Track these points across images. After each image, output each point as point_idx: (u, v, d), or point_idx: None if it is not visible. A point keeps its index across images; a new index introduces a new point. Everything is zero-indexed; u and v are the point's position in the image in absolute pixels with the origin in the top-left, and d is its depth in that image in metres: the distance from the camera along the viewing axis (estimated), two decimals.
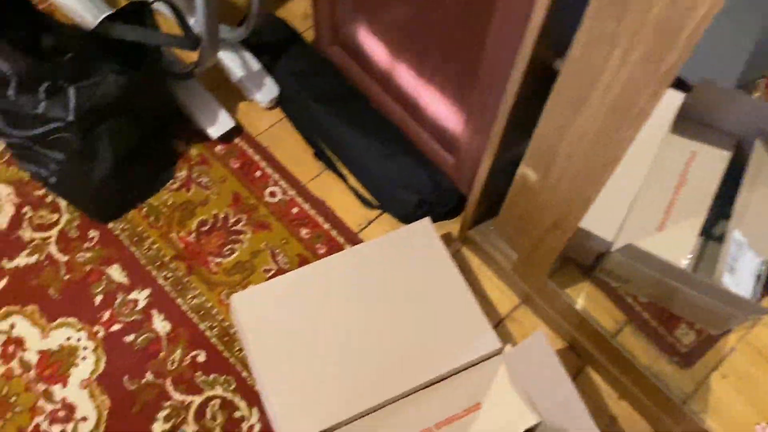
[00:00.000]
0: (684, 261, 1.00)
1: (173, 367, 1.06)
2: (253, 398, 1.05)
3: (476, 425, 0.94)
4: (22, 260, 1.13)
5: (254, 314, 0.99)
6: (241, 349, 1.08)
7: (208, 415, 1.03)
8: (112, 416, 1.02)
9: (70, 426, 1.01)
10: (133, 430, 1.01)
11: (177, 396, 1.04)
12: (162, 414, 1.03)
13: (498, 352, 0.99)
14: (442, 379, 0.97)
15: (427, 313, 1.00)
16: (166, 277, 1.13)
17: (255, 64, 1.27)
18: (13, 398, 1.03)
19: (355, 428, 0.94)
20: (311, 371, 0.95)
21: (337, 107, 1.21)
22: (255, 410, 1.04)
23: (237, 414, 1.04)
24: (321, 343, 0.97)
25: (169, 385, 1.05)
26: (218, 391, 1.05)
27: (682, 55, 0.59)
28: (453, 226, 1.19)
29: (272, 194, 1.21)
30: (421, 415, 0.95)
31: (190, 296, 1.12)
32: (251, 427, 1.03)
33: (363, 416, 0.94)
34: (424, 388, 0.97)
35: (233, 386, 1.06)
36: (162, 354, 1.07)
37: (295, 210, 1.20)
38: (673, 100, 1.09)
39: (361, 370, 0.95)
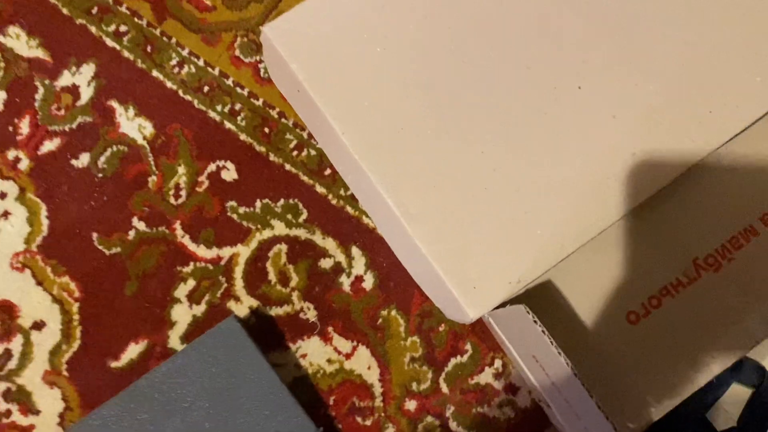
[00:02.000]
0: None
1: (181, 200, 0.54)
2: (345, 229, 0.54)
3: None
4: None
5: (312, 57, 0.44)
6: (300, 144, 0.55)
7: (273, 275, 0.53)
8: (88, 310, 0.53)
9: (16, 342, 0.53)
10: (137, 327, 0.53)
11: (202, 251, 0.54)
12: (182, 289, 0.53)
13: None
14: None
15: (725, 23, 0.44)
16: (120, 34, 0.56)
17: None
18: None
19: (573, 261, 0.44)
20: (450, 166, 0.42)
21: None
22: (356, 250, 0.54)
23: (325, 263, 0.54)
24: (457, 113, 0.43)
25: (181, 234, 0.54)
26: (278, 228, 0.54)
27: None
28: None
29: None
30: (720, 207, 0.44)
31: (174, 61, 0.56)
32: (358, 281, 0.53)
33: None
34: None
35: (303, 215, 0.54)
36: (153, 179, 0.55)
37: None
38: None
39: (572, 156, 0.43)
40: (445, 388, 0.52)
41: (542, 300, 0.42)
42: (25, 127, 0.55)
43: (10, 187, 0.54)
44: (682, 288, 0.42)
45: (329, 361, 0.52)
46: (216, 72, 0.56)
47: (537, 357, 0.39)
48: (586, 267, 0.43)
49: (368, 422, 0.51)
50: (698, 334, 0.41)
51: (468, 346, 0.52)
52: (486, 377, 0.52)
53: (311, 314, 0.53)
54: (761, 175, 0.43)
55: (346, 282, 0.53)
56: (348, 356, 0.52)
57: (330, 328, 0.53)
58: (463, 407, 0.51)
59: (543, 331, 0.32)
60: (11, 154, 0.55)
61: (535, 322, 0.33)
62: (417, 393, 0.52)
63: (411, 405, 0.52)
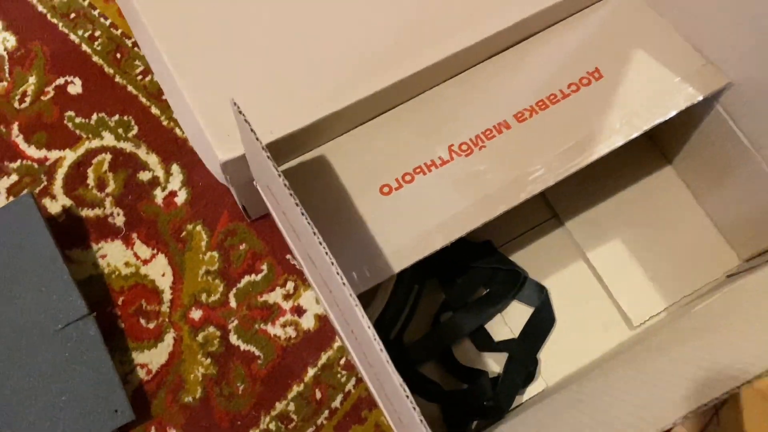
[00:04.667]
0: None
1: (24, 105, 0.58)
2: (170, 148, 0.57)
3: (598, 104, 0.46)
4: None
5: None
6: (146, 70, 0.59)
7: (91, 180, 0.56)
8: None
9: None
10: None
11: (32, 151, 0.57)
12: (4, 182, 0.56)
13: None
14: (518, 40, 0.49)
15: None
16: None
17: None
18: None
19: (351, 138, 0.47)
20: (256, 55, 0.46)
21: None
22: (176, 168, 0.56)
23: (143, 176, 0.56)
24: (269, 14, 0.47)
25: (16, 134, 0.57)
26: (107, 139, 0.57)
27: None
28: None
29: None
30: (485, 101, 0.48)
31: None
32: (171, 196, 0.55)
33: (364, 118, 0.47)
34: (470, 65, 0.49)
35: (134, 131, 0.57)
36: (2, 85, 0.59)
37: None
38: None
39: (349, 38, 0.47)
40: (233, 303, 0.52)
41: (314, 171, 0.45)
42: None
43: None
44: (435, 168, 0.44)
45: (127, 264, 0.53)
46: (86, 3, 0.62)
47: (287, 214, 0.40)
48: (355, 146, 0.45)
49: (151, 325, 0.52)
50: (442, 207, 0.43)
51: (264, 266, 0.53)
52: (276, 297, 0.53)
53: (119, 219, 0.55)
54: (517, 78, 0.46)
55: (159, 195, 0.55)
56: (146, 262, 0.53)
57: (134, 235, 0.54)
58: (246, 322, 0.52)
59: (285, 185, 0.34)
60: None
61: (279, 175, 0.35)
62: (205, 304, 0.52)
63: (196, 314, 0.52)
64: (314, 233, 0.34)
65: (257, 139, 0.35)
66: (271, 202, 0.45)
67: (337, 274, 0.33)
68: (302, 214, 0.34)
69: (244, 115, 0.36)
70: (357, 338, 0.38)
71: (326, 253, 0.33)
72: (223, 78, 0.44)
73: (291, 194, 0.34)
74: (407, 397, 0.30)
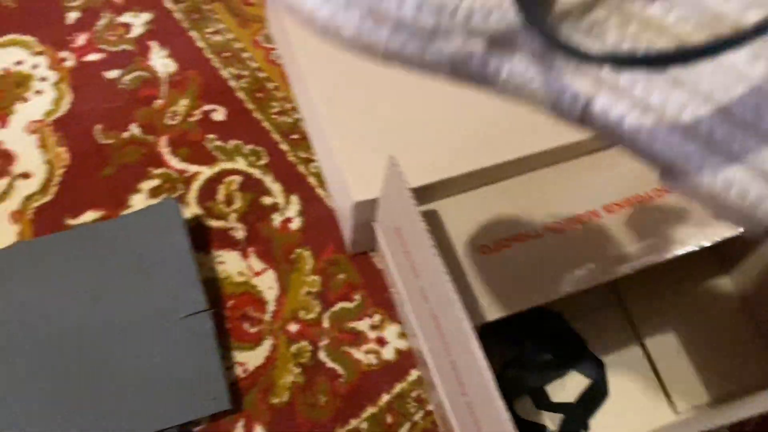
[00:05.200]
0: None
1: (174, 122, 0.67)
2: (292, 181, 0.65)
3: (677, 212, 0.54)
4: None
5: None
6: (281, 111, 0.68)
7: (221, 195, 0.64)
8: (69, 177, 0.64)
9: (2, 182, 0.63)
10: (100, 201, 0.63)
11: (174, 162, 0.65)
12: (147, 184, 0.64)
13: None
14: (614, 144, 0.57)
15: None
16: (178, 1, 0.73)
17: None
18: None
19: (460, 200, 0.54)
20: (403, 116, 0.55)
21: None
22: (295, 198, 0.65)
23: (266, 200, 0.64)
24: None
25: (164, 145, 0.66)
26: (240, 164, 0.66)
27: None
28: None
29: None
30: (581, 190, 0.55)
31: (210, 30, 0.72)
32: (287, 221, 0.64)
33: (475, 185, 0.55)
34: (576, 156, 0.57)
35: (264, 161, 0.66)
36: (159, 102, 0.68)
37: None
38: None
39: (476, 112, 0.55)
40: (326, 323, 0.59)
41: (426, 223, 0.53)
42: (81, 40, 0.70)
43: (52, 75, 0.69)
44: (529, 239, 0.52)
45: (240, 273, 0.61)
46: (238, 46, 0.72)
47: (410, 249, 0.48)
48: (464, 207, 0.53)
49: (253, 330, 0.59)
50: (531, 273, 0.50)
51: (357, 296, 0.61)
52: (363, 325, 0.60)
53: (240, 234, 0.63)
54: (611, 175, 0.54)
55: (277, 219, 0.63)
56: (257, 274, 0.61)
57: (251, 249, 0.62)
58: (335, 343, 0.59)
59: (427, 229, 0.42)
60: (63, 54, 0.69)
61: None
62: (302, 320, 0.59)
63: (293, 328, 0.59)
64: (445, 272, 0.41)
65: (407, 188, 0.43)
66: (390, 241, 0.52)
67: (460, 309, 0.40)
68: (437, 255, 0.42)
69: (399, 167, 0.44)
70: (455, 369, 0.45)
71: (452, 290, 0.41)
72: (365, 132, 0.53)
73: (429, 237, 0.42)
74: (508, 419, 0.37)
